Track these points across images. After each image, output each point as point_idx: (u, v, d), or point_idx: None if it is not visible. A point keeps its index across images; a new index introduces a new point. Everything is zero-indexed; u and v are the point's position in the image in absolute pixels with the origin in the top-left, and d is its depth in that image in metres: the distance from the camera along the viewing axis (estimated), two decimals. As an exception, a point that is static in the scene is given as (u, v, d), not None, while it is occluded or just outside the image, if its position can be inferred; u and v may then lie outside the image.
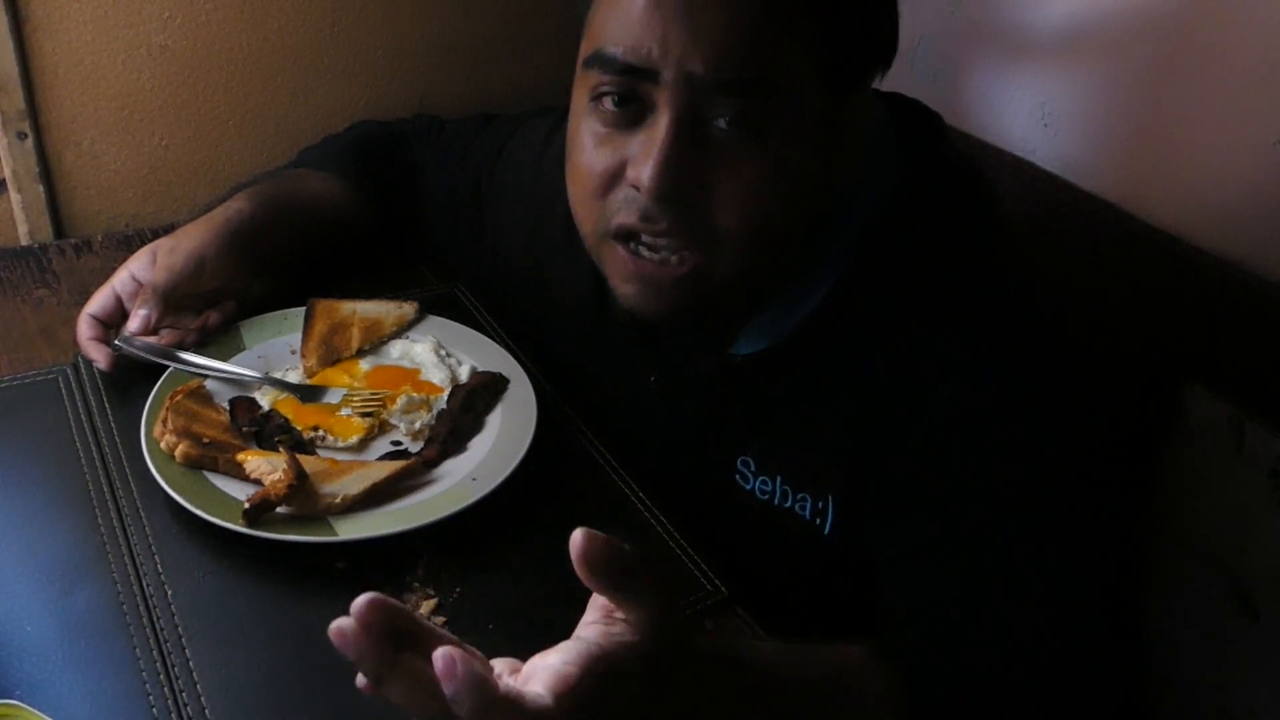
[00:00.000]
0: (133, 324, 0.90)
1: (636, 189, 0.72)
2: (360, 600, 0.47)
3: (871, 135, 0.81)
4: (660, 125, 0.70)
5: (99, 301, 0.93)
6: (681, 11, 0.68)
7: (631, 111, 0.72)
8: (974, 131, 1.26)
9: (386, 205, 1.12)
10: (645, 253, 0.74)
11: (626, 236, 0.75)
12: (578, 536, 0.48)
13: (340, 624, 0.47)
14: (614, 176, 0.74)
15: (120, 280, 0.94)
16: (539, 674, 0.50)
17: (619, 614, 0.52)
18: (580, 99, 0.76)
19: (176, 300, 0.93)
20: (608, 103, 0.73)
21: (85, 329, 0.92)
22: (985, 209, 0.83)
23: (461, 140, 1.13)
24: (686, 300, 0.76)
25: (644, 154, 0.71)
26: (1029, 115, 1.21)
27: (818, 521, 0.82)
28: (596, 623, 0.52)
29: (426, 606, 0.75)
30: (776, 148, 0.71)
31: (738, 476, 0.86)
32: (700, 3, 0.68)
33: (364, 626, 0.47)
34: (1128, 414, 1.05)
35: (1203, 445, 1.00)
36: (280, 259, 1.03)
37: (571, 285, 0.95)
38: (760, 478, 0.85)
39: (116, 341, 0.91)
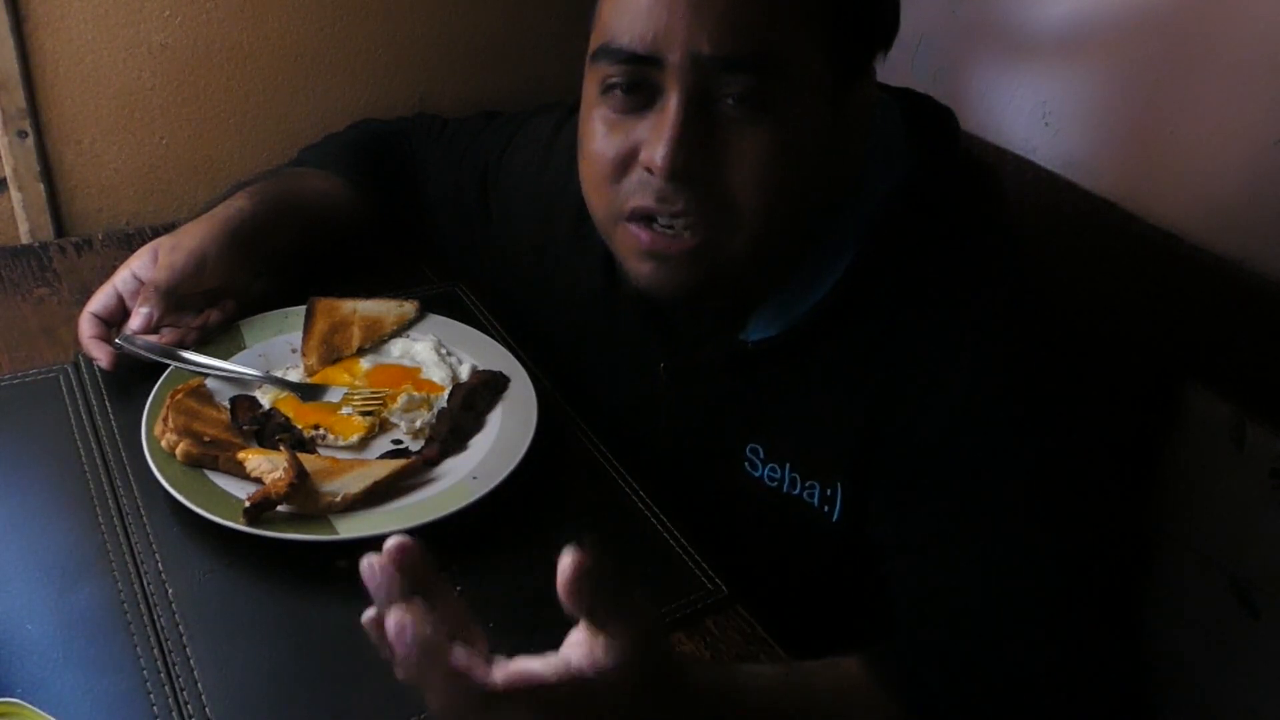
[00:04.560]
0: (134, 322, 0.90)
1: (650, 170, 0.73)
2: (394, 541, 0.52)
3: (882, 127, 0.81)
4: (670, 106, 0.71)
5: (100, 300, 0.93)
6: None
7: (641, 97, 0.73)
8: (975, 131, 1.26)
9: (387, 203, 1.12)
10: (660, 227, 0.75)
11: (642, 218, 0.76)
12: (566, 561, 0.50)
13: (371, 558, 0.52)
14: (626, 161, 0.75)
15: (122, 279, 0.94)
16: (510, 669, 0.52)
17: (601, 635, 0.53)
18: (590, 91, 0.77)
19: (178, 299, 0.93)
20: (617, 91, 0.74)
21: (87, 328, 0.92)
22: (994, 202, 0.83)
23: (464, 137, 1.13)
24: (699, 275, 0.76)
25: (655, 135, 0.72)
26: (1030, 114, 1.21)
27: (825, 509, 0.83)
28: (580, 643, 0.53)
29: (427, 605, 0.75)
30: (784, 124, 0.72)
31: (746, 464, 0.87)
32: None
33: (392, 561, 0.52)
34: (1128, 413, 1.05)
35: (1203, 445, 1.00)
36: (281, 257, 1.03)
37: (581, 276, 0.96)
38: (769, 465, 0.85)
39: (118, 340, 0.91)
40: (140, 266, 0.94)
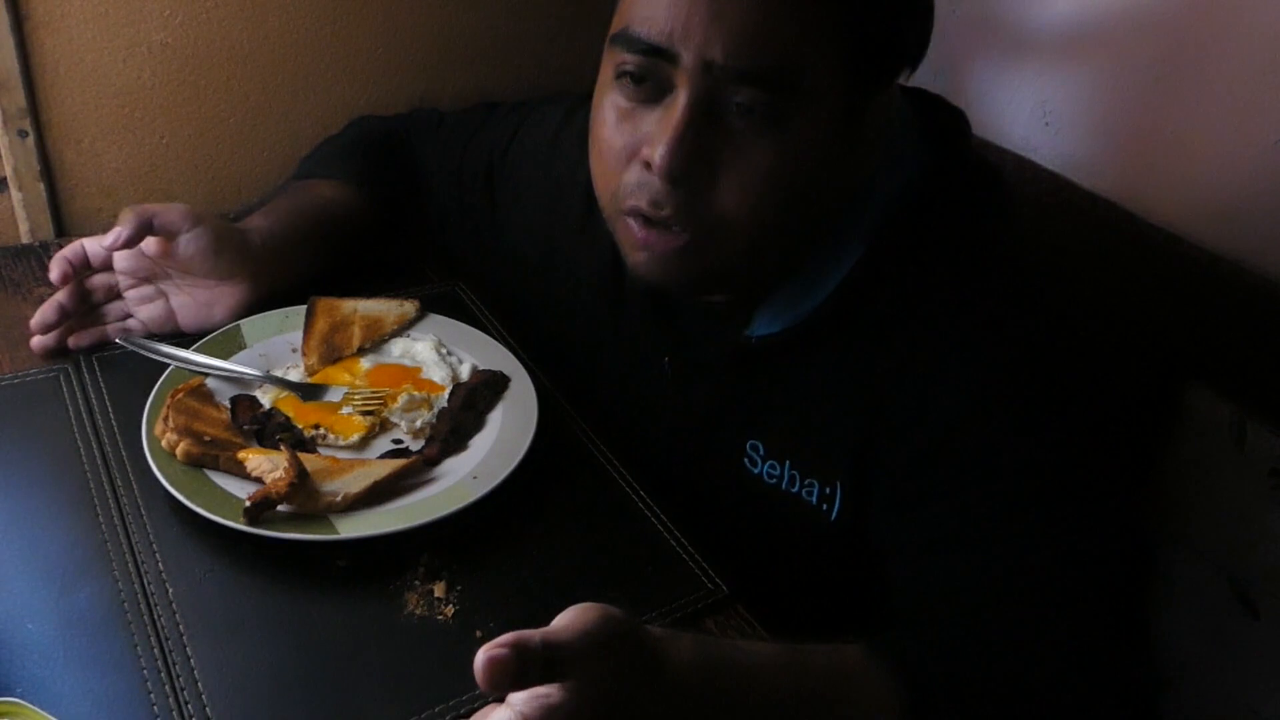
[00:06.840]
0: (106, 239, 0.91)
1: (649, 166, 0.73)
2: None
3: (894, 126, 0.81)
4: (676, 106, 0.71)
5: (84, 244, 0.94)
6: None
7: (651, 88, 0.73)
8: (975, 130, 1.25)
9: (390, 201, 1.12)
10: (654, 223, 0.76)
11: (639, 214, 0.76)
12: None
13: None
14: (630, 153, 0.75)
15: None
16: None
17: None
18: (605, 75, 0.77)
19: (156, 268, 0.94)
20: (629, 79, 0.74)
21: (56, 272, 0.92)
22: (1001, 205, 0.83)
23: (465, 129, 1.13)
24: (690, 271, 0.77)
25: (659, 133, 0.72)
26: (1030, 114, 1.21)
27: (824, 507, 0.83)
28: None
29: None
30: (791, 139, 0.72)
31: (746, 460, 0.87)
32: None
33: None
34: (1128, 413, 1.05)
35: (1203, 445, 1.00)
36: (303, 277, 1.03)
37: (588, 268, 0.96)
38: (769, 462, 0.85)
39: (119, 339, 0.91)
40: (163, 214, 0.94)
